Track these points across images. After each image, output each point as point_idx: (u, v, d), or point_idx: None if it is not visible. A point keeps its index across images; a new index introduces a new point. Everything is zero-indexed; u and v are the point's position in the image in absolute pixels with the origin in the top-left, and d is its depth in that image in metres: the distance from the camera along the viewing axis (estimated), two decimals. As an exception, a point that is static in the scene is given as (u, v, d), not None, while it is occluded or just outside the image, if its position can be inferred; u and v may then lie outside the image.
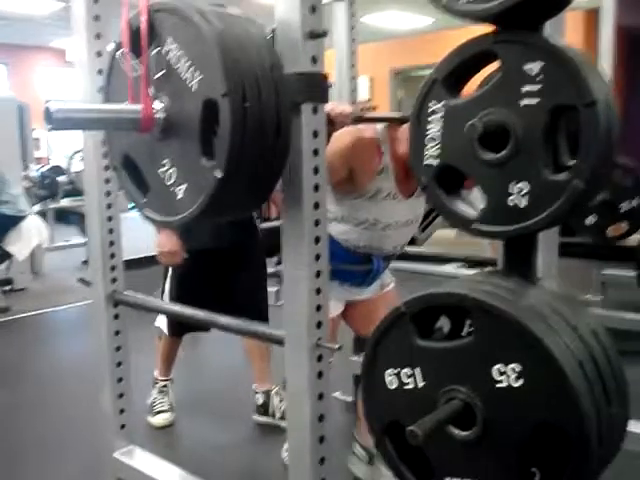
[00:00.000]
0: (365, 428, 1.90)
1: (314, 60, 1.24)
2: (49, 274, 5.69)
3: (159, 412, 2.61)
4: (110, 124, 1.29)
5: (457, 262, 3.18)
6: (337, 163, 1.70)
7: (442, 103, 1.00)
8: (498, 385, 0.86)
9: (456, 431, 0.90)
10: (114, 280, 1.84)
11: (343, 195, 1.82)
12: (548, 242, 1.61)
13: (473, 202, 1.03)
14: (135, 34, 1.26)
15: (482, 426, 0.88)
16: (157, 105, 1.22)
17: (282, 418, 2.45)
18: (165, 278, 2.54)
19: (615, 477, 1.15)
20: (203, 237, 2.37)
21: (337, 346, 1.31)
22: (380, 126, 1.83)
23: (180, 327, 2.55)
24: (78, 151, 6.11)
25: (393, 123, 1.83)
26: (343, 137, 1.73)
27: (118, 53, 1.30)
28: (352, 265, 1.86)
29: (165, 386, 2.69)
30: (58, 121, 1.11)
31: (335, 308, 1.99)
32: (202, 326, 2.39)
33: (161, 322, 2.62)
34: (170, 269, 2.50)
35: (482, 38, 0.97)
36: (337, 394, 2.60)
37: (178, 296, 2.44)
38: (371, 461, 2.06)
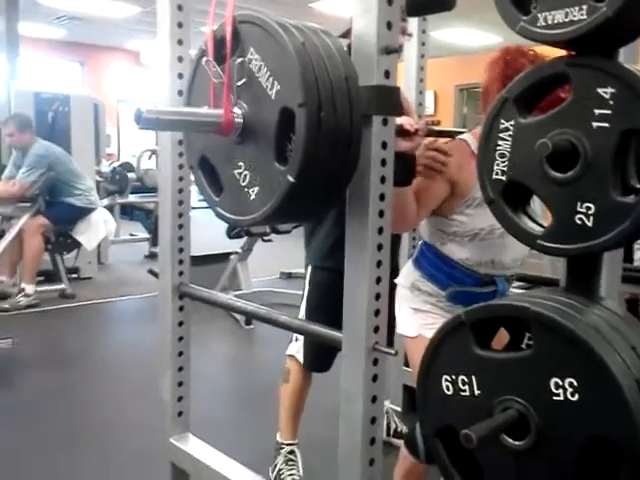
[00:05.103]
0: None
1: (387, 74, 1.28)
2: (113, 266, 5.94)
3: None
4: (192, 126, 1.37)
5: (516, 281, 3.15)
6: (435, 182, 1.66)
7: (513, 121, 1.03)
8: (554, 398, 0.88)
9: (509, 440, 0.93)
10: (181, 273, 1.94)
11: (449, 213, 1.73)
12: (612, 264, 1.61)
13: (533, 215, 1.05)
14: (219, 43, 1.34)
15: (535, 437, 0.90)
16: (236, 111, 1.30)
17: (388, 435, 2.49)
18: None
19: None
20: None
21: (394, 351, 1.34)
22: (462, 135, 1.79)
23: (324, 357, 2.07)
24: (148, 149, 6.36)
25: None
26: None
27: (202, 60, 1.38)
28: (477, 287, 1.76)
29: (292, 452, 2.18)
30: (147, 121, 1.19)
31: None
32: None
33: (296, 350, 2.17)
34: (307, 286, 2.17)
35: (555, 61, 0.99)
36: (386, 402, 2.62)
37: (316, 313, 2.09)
38: None
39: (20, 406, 2.81)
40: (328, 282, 2.08)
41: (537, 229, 1.01)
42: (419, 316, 1.78)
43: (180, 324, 1.95)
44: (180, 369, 1.96)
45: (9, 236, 4.27)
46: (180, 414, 1.98)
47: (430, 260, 1.79)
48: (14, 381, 3.04)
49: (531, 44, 1.15)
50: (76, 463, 2.30)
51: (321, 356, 2.11)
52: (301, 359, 2.16)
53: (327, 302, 1.98)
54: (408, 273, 1.85)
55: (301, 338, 2.15)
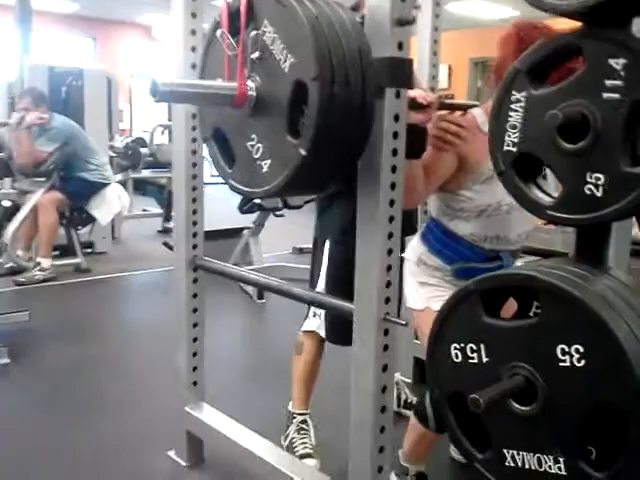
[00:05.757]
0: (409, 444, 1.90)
1: (400, 46, 1.29)
2: (127, 240, 5.98)
3: (301, 456, 2.11)
4: (207, 99, 1.38)
5: (525, 254, 3.14)
6: (444, 154, 1.66)
7: (524, 93, 1.03)
8: (561, 364, 0.90)
9: (516, 405, 0.95)
10: (195, 246, 1.97)
11: (456, 188, 1.73)
12: (621, 236, 1.61)
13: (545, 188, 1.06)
14: (233, 15, 1.35)
15: (542, 402, 0.93)
16: (250, 83, 1.31)
17: (398, 406, 2.53)
18: (314, 270, 2.20)
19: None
20: None
21: (404, 322, 1.37)
22: (472, 110, 1.77)
23: (347, 329, 1.88)
24: (160, 125, 6.36)
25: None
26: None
27: (217, 32, 1.39)
28: (483, 263, 1.76)
29: (304, 421, 2.19)
30: (163, 94, 1.21)
31: None
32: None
33: (314, 324, 2.16)
34: (326, 261, 2.14)
35: (568, 33, 0.99)
36: (397, 374, 2.66)
37: (337, 287, 2.02)
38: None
39: (37, 378, 2.87)
40: (347, 255, 2.07)
41: (547, 199, 1.02)
42: (426, 290, 1.80)
43: (194, 296, 1.99)
44: (195, 340, 2.00)
45: (24, 211, 4.31)
46: (195, 383, 2.03)
47: (437, 236, 1.81)
48: (31, 353, 3.10)
49: (546, 17, 1.15)
50: (94, 434, 2.36)
51: (344, 328, 2.11)
52: (322, 333, 2.14)
53: (347, 274, 1.79)
54: (415, 248, 1.86)
55: (319, 313, 2.17)
